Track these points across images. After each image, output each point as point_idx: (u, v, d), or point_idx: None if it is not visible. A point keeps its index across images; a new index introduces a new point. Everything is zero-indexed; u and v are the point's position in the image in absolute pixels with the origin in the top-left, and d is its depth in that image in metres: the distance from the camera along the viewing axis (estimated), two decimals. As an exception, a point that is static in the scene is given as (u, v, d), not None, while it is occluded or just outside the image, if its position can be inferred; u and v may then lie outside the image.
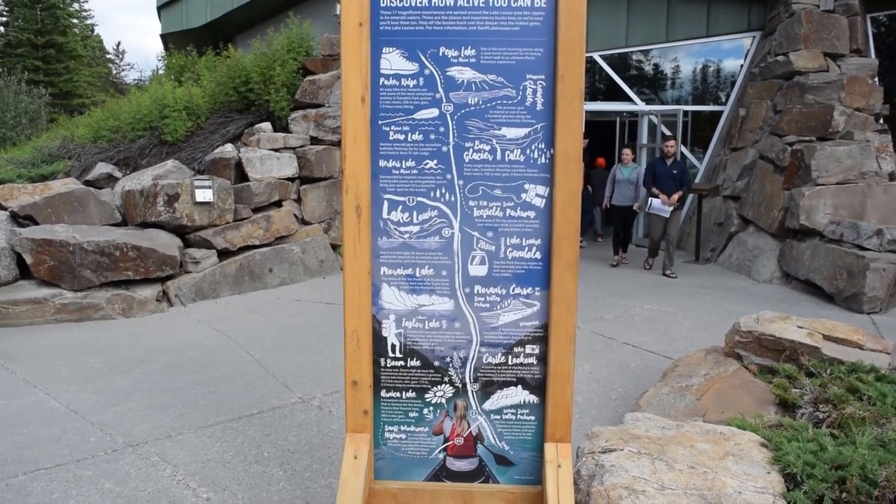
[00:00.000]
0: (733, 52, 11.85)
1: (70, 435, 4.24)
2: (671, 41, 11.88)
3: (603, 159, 12.98)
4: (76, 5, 38.51)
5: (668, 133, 11.60)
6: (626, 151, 10.49)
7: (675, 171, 9.49)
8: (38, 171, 8.82)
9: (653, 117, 11.95)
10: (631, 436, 3.00)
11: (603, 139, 14.63)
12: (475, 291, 2.60)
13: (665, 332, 6.50)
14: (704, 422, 3.48)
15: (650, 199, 9.60)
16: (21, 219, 7.60)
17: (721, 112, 11.86)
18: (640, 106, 12.08)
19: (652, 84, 12.49)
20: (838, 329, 4.57)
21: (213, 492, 3.55)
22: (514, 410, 2.67)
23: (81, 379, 5.23)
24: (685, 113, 11.69)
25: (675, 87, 12.41)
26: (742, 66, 11.72)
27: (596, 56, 11.94)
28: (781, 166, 9.32)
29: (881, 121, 9.80)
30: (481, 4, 2.44)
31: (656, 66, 12.47)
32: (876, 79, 10.00)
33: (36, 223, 7.55)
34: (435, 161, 2.52)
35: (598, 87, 12.35)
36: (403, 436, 2.72)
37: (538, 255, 2.55)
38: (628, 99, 12.10)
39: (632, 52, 12.20)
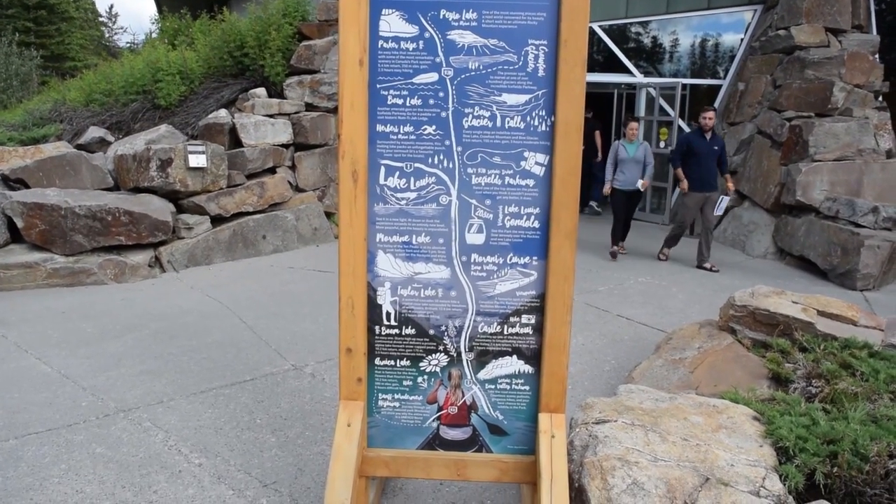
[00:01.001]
0: (734, 26, 11.73)
1: (61, 399, 4.22)
2: (671, 13, 11.74)
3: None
4: (68, -34, 37.85)
5: (667, 106, 11.52)
6: (633, 125, 8.71)
7: (715, 147, 8.08)
8: (30, 135, 8.72)
9: (651, 90, 11.85)
10: (624, 407, 3.00)
11: (601, 111, 14.52)
12: (472, 260, 2.57)
13: (659, 305, 6.50)
14: (697, 395, 3.49)
15: (722, 196, 8.12)
16: (12, 182, 7.51)
17: (720, 86, 11.77)
18: (639, 78, 11.97)
19: (651, 56, 12.36)
20: (832, 305, 4.57)
21: (205, 457, 3.54)
22: (508, 380, 2.66)
23: (73, 344, 5.21)
24: (684, 86, 11.59)
25: (673, 60, 12.29)
26: (742, 39, 11.61)
27: (595, 27, 11.80)
28: (779, 142, 9.28)
29: (881, 98, 9.74)
30: (483, -34, 2.38)
31: (655, 38, 12.33)
32: (877, 55, 9.93)
33: (27, 187, 7.47)
34: (433, 127, 2.48)
35: (596, 58, 12.22)
36: (397, 404, 2.71)
37: (536, 224, 2.52)
38: (627, 71, 11.99)
39: (631, 23, 12.06)
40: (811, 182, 8.51)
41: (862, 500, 2.58)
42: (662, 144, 11.56)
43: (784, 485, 2.50)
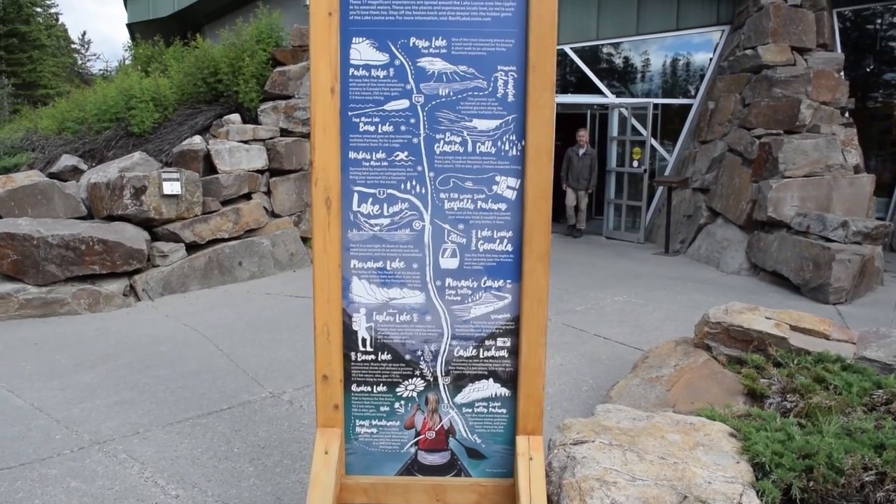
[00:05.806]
0: (703, 46, 11.95)
1: (34, 433, 4.15)
2: (641, 34, 11.95)
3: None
4: (39, -6, 37.74)
5: (639, 126, 11.66)
6: None
7: None
8: (1, 164, 8.63)
9: (623, 110, 12.01)
10: (602, 427, 3.01)
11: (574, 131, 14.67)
12: (446, 284, 2.58)
13: (635, 323, 6.54)
14: (674, 412, 3.50)
15: None
16: (-17, 212, 7.43)
17: (690, 105, 11.96)
18: (611, 99, 12.14)
19: (622, 77, 12.55)
20: (805, 320, 4.63)
21: (182, 489, 3.50)
22: (485, 403, 2.67)
23: (46, 375, 5.13)
24: (655, 106, 11.76)
25: (645, 80, 12.48)
26: (711, 59, 11.82)
27: (567, 48, 11.97)
28: (750, 159, 9.42)
29: (847, 114, 9.94)
30: (452, -6, 2.42)
31: (627, 59, 12.53)
32: (842, 73, 10.15)
33: (-2, 216, 7.39)
34: (405, 153, 2.50)
35: (568, 79, 12.38)
36: (375, 430, 2.70)
37: (509, 248, 2.55)
38: (599, 92, 12.15)
39: (602, 44, 12.25)
40: (782, 198, 8.63)
41: (837, 514, 2.61)
42: (636, 164, 11.70)
43: (761, 500, 2.52)
